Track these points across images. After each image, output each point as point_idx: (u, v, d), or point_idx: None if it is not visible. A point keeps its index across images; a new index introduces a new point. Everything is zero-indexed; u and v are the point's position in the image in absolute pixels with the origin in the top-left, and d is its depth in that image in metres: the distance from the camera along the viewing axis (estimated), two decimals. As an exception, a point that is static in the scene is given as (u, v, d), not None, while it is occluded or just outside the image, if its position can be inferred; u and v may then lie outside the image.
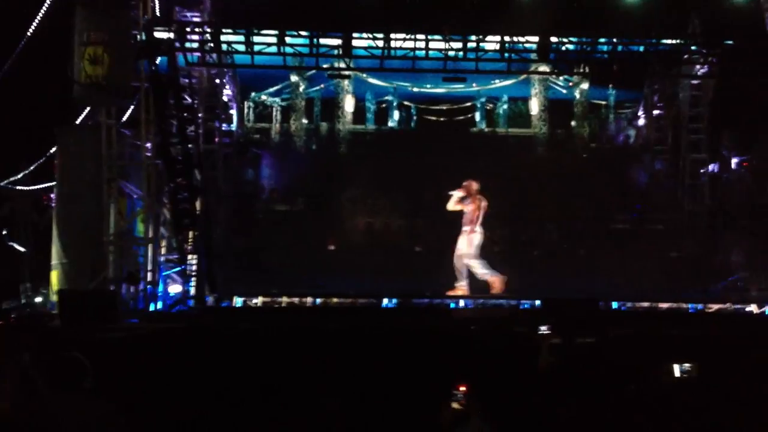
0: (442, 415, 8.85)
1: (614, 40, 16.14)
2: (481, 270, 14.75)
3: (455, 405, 8.69)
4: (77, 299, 12.43)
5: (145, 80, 14.58)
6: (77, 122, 15.21)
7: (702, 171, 19.87)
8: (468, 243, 14.72)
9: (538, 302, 14.06)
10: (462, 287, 14.72)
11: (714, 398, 10.22)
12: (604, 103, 22.95)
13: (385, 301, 14.43)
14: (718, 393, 10.59)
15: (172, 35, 15.05)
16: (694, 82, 19.46)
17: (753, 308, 14.79)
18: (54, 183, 14.86)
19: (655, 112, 21.43)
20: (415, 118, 22.89)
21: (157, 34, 14.84)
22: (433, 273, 15.67)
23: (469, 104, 22.67)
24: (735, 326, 13.86)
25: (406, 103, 22.84)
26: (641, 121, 22.09)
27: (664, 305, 14.61)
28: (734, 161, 19.81)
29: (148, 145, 14.86)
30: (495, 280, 14.67)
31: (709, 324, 14.07)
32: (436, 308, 14.45)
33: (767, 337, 12.49)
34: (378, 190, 19.30)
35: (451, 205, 14.81)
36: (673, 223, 19.54)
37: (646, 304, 14.61)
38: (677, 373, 10.49)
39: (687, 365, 10.39)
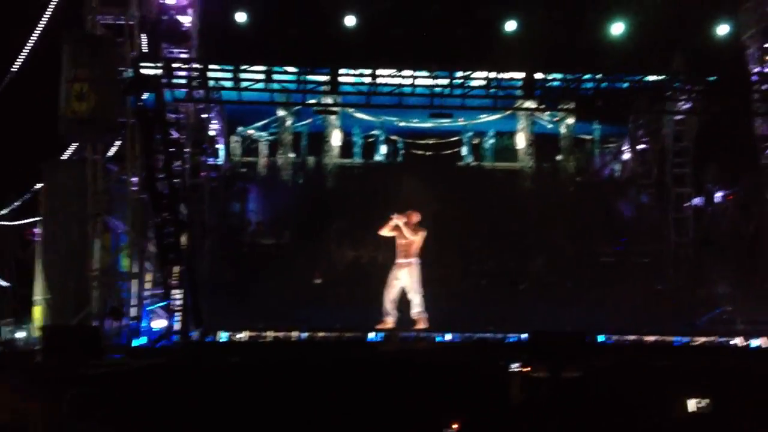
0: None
1: (599, 76, 16.30)
2: (417, 304, 14.38)
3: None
4: (60, 335, 12.34)
5: (131, 116, 14.65)
6: (63, 157, 15.23)
7: (687, 204, 20.00)
8: (410, 275, 14.45)
9: (524, 335, 14.03)
10: (390, 321, 14.39)
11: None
12: (589, 137, 23.18)
13: (372, 334, 14.36)
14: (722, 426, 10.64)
15: (159, 71, 15.11)
16: (678, 117, 19.67)
17: (738, 341, 14.81)
18: (37, 218, 14.84)
19: (640, 146, 21.62)
20: (402, 152, 23.03)
21: (145, 71, 14.90)
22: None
23: (455, 138, 22.86)
24: (720, 359, 13.89)
25: (393, 137, 23.00)
26: (626, 156, 22.29)
27: (651, 338, 14.61)
28: (718, 195, 19.99)
29: (134, 179, 14.89)
30: (421, 319, 14.45)
31: (695, 357, 14.10)
32: (423, 342, 14.39)
33: (751, 370, 12.54)
34: (365, 224, 19.31)
35: (385, 231, 14.50)
36: (658, 255, 19.63)
37: (632, 337, 14.61)
38: (693, 408, 10.50)
39: (702, 401, 10.38)
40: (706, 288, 18.03)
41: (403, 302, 14.49)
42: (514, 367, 11.62)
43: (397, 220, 14.39)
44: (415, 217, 14.55)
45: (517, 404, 11.44)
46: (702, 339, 14.71)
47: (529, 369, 11.52)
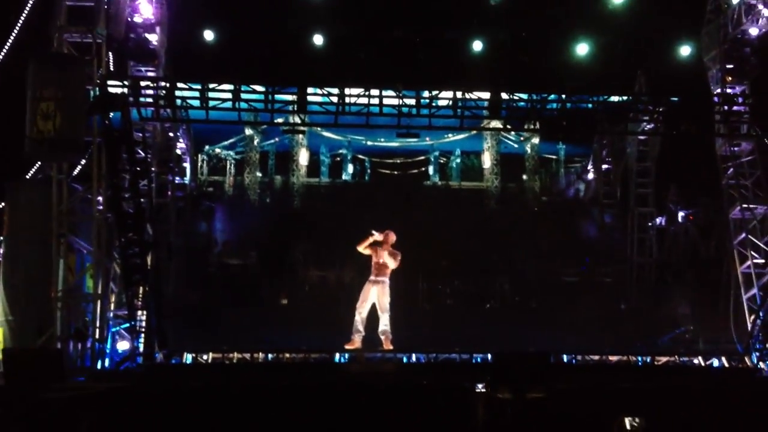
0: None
1: (563, 97, 16.51)
2: (385, 323, 14.27)
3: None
4: (23, 358, 12.17)
5: (97, 135, 14.53)
6: (27, 177, 15.07)
7: (650, 224, 20.30)
8: (381, 293, 14.41)
9: (489, 356, 14.12)
10: (358, 341, 14.24)
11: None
12: (554, 157, 23.47)
13: (338, 355, 14.35)
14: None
15: (126, 90, 15.04)
16: (641, 137, 19.98)
17: (699, 360, 15.03)
18: (0, 238, 14.66)
19: (604, 166, 21.93)
20: (369, 171, 23.11)
21: (111, 89, 14.83)
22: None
23: (422, 158, 23.01)
24: (682, 378, 14.09)
25: (360, 156, 23.10)
26: (590, 175, 22.58)
27: (614, 358, 14.77)
28: (680, 215, 20.32)
29: (99, 199, 14.76)
30: (386, 338, 14.47)
31: (657, 376, 14.28)
32: (389, 363, 14.40)
33: (713, 390, 12.74)
34: (331, 243, 19.35)
35: (362, 247, 14.44)
36: (621, 275, 19.89)
37: (596, 357, 14.75)
38: (628, 426, 10.69)
39: (637, 419, 10.60)
40: (668, 308, 18.29)
41: (370, 321, 14.49)
42: (480, 387, 11.67)
43: (378, 236, 14.37)
44: (392, 237, 14.55)
45: (482, 425, 11.49)
46: (664, 359, 14.90)
47: (493, 390, 11.57)
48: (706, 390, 12.69)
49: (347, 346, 14.26)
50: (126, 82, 15.29)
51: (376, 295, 14.37)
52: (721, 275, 17.02)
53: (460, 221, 19.41)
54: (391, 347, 14.21)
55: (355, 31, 18.65)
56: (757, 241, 16.19)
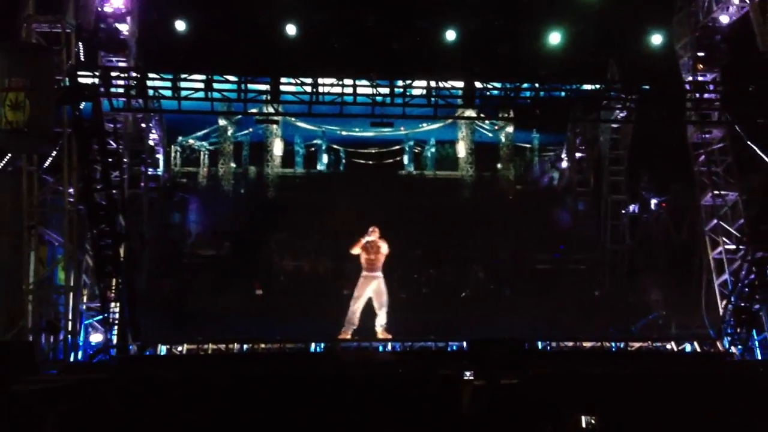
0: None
1: (536, 85, 16.55)
2: (383, 319, 14.79)
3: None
4: (-7, 350, 12.06)
5: (68, 126, 14.37)
6: (-3, 168, 14.89)
7: (623, 211, 20.44)
8: (380, 290, 14.77)
9: (464, 344, 14.17)
10: (350, 333, 14.68)
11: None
12: (528, 146, 23.54)
13: (313, 345, 14.35)
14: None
15: (96, 80, 14.87)
16: (614, 125, 20.09)
17: (672, 346, 15.19)
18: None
19: (578, 154, 22.03)
20: (344, 161, 23.06)
21: (81, 80, 14.65)
22: (361, 315, 15.66)
23: (397, 147, 22.99)
24: (655, 364, 14.23)
25: (334, 146, 23.03)
26: (564, 164, 22.68)
27: (588, 344, 14.88)
28: (653, 202, 20.48)
29: (71, 191, 14.61)
30: (383, 331, 14.72)
31: (630, 362, 14.41)
32: (364, 352, 14.43)
33: (685, 374, 12.89)
34: (306, 233, 19.32)
35: (356, 249, 14.82)
36: (595, 262, 20.03)
37: (570, 344, 14.85)
38: (584, 425, 10.80)
39: (591, 418, 10.71)
40: (641, 294, 18.45)
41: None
42: (468, 375, 11.70)
43: (370, 237, 14.74)
44: (377, 231, 14.85)
45: (468, 411, 11.50)
46: (637, 344, 15.04)
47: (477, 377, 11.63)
48: (679, 375, 12.84)
49: (340, 337, 14.49)
50: (96, 73, 15.15)
51: (373, 292, 14.76)
52: (693, 261, 17.20)
53: (435, 210, 19.45)
54: (389, 336, 14.39)
55: (328, 21, 18.55)
56: (728, 227, 16.35)
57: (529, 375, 11.67)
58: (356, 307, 14.79)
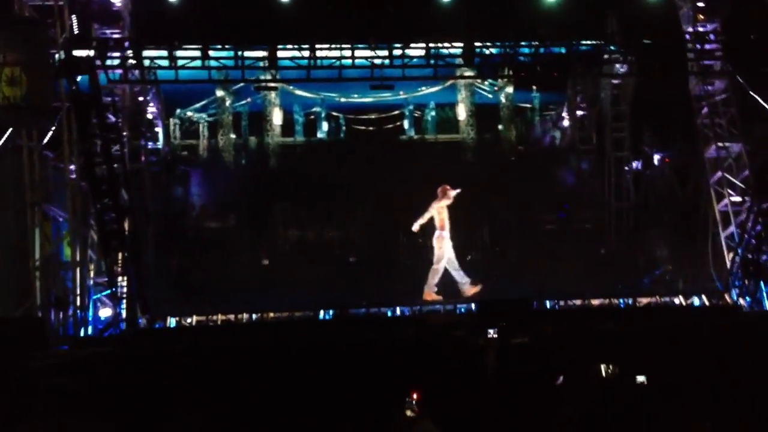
0: (394, 423, 8.87)
1: (535, 43, 16.39)
2: (460, 275, 15.07)
3: (408, 412, 8.75)
4: (4, 327, 12.06)
5: (66, 100, 14.27)
6: (-4, 146, 14.79)
7: (626, 168, 20.34)
8: (448, 246, 15.02)
9: (473, 305, 14.18)
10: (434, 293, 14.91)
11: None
12: (529, 106, 23.33)
13: (322, 313, 14.35)
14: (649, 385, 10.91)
15: (92, 53, 14.73)
16: (615, 81, 19.92)
17: (680, 300, 15.20)
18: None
19: (579, 112, 21.87)
20: (344, 128, 22.88)
21: (77, 53, 14.51)
22: (368, 282, 15.68)
23: (397, 112, 22.77)
24: (664, 318, 14.24)
25: (334, 113, 22.82)
26: (566, 123, 22.54)
27: (596, 301, 14.89)
28: (656, 158, 20.38)
29: (72, 166, 14.54)
30: (468, 289, 14.88)
31: (640, 317, 14.43)
32: (374, 318, 14.45)
33: (694, 328, 12.89)
34: (310, 202, 19.24)
35: (425, 219, 15.12)
36: (600, 221, 19.96)
37: (578, 302, 14.86)
38: (603, 374, 10.79)
39: (611, 366, 10.71)
40: (647, 250, 18.42)
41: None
42: (492, 333, 11.67)
43: (445, 200, 15.00)
44: (449, 188, 15.22)
45: (492, 369, 11.46)
46: (645, 300, 15.04)
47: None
48: (690, 328, 12.84)
49: (426, 298, 14.84)
50: (92, 45, 15.00)
51: (449, 250, 15.04)
52: (699, 215, 17.15)
53: (438, 174, 19.30)
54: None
55: (324, -15, 18.31)
56: (733, 179, 16.28)
57: (540, 333, 11.65)
58: (440, 268, 14.93)
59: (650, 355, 11.72)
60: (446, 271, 15.02)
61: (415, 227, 15.21)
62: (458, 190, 15.16)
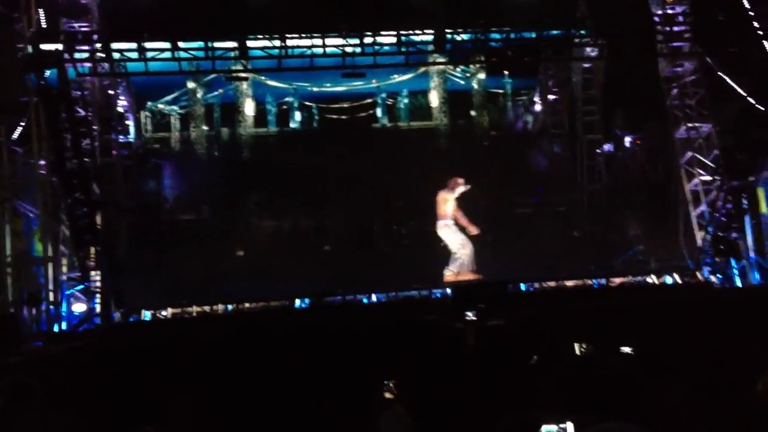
0: (372, 404, 8.88)
1: (506, 28, 16.45)
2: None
3: (387, 394, 8.76)
4: (-24, 325, 11.97)
5: (34, 94, 14.14)
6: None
7: (598, 151, 20.48)
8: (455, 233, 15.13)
9: (448, 290, 14.25)
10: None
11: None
12: (501, 91, 23.36)
13: (298, 302, 14.36)
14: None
15: (60, 47, 14.60)
16: (586, 65, 20.03)
17: (653, 279, 15.35)
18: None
19: (551, 96, 21.96)
20: (317, 117, 22.81)
21: (45, 47, 14.38)
22: (344, 270, 15.68)
23: (369, 101, 22.73)
24: (638, 297, 14.39)
25: (307, 103, 22.73)
26: (538, 107, 22.62)
27: (570, 283, 15.01)
28: (627, 140, 20.53)
29: (42, 161, 14.42)
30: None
31: (614, 297, 14.57)
32: (350, 305, 14.48)
33: (667, 306, 13.03)
34: (283, 192, 19.20)
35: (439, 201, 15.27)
36: (573, 203, 20.08)
37: (553, 284, 14.97)
38: (577, 351, 10.89)
39: (582, 344, 10.81)
40: (620, 231, 18.57)
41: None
42: (470, 315, 11.73)
43: (460, 188, 15.25)
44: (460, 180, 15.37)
45: (470, 351, 11.51)
46: (619, 280, 15.19)
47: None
48: (663, 306, 12.98)
49: (449, 279, 14.96)
50: (59, 39, 14.87)
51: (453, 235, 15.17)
52: (669, 196, 17.32)
53: (411, 161, 19.34)
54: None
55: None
56: (703, 159, 16.47)
57: (516, 316, 11.73)
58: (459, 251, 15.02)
59: (624, 334, 11.87)
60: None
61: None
62: (467, 187, 15.27)
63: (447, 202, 15.11)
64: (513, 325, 11.82)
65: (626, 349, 10.53)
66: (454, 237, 15.08)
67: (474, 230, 15.12)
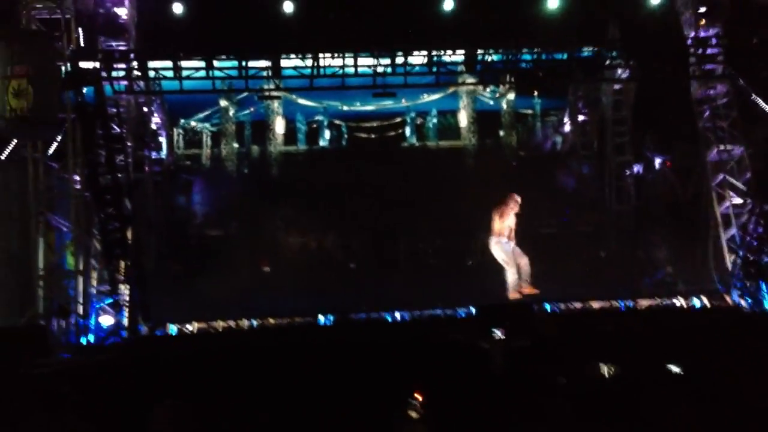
0: (396, 423, 8.89)
1: (537, 49, 16.50)
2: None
3: (412, 413, 8.78)
4: (7, 336, 12.16)
5: (71, 111, 14.43)
6: (2, 157, 14.95)
7: (627, 172, 20.38)
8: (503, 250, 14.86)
9: (473, 309, 14.23)
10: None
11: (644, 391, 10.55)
12: (530, 111, 23.40)
13: (322, 318, 14.43)
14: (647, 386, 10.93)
15: (97, 65, 14.91)
16: (616, 86, 20.00)
17: (681, 302, 15.22)
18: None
19: (580, 117, 21.92)
20: (346, 136, 23.00)
21: (83, 65, 14.69)
22: (368, 288, 15.73)
23: (399, 120, 22.88)
24: (666, 320, 14.26)
25: (336, 122, 22.95)
26: (567, 128, 22.58)
27: (596, 304, 14.91)
28: (657, 161, 20.41)
29: (76, 177, 14.69)
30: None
31: (641, 319, 14.45)
32: (374, 322, 14.52)
33: (695, 329, 12.90)
34: (311, 210, 19.34)
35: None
36: (601, 224, 19.97)
37: (578, 305, 14.88)
38: (605, 373, 10.84)
39: (611, 366, 10.76)
40: (648, 253, 18.43)
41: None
42: (498, 334, 11.68)
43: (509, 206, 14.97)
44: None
45: (499, 370, 11.47)
46: (646, 302, 15.07)
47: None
48: (691, 329, 12.86)
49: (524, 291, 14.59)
50: (98, 57, 15.19)
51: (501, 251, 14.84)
52: (699, 218, 17.18)
53: (439, 180, 19.40)
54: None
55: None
56: (734, 182, 16.34)
57: (540, 337, 11.69)
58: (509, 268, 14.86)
59: (652, 357, 11.77)
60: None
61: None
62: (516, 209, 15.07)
63: (502, 218, 14.97)
64: (539, 346, 11.78)
65: (675, 369, 10.51)
66: (507, 252, 14.88)
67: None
